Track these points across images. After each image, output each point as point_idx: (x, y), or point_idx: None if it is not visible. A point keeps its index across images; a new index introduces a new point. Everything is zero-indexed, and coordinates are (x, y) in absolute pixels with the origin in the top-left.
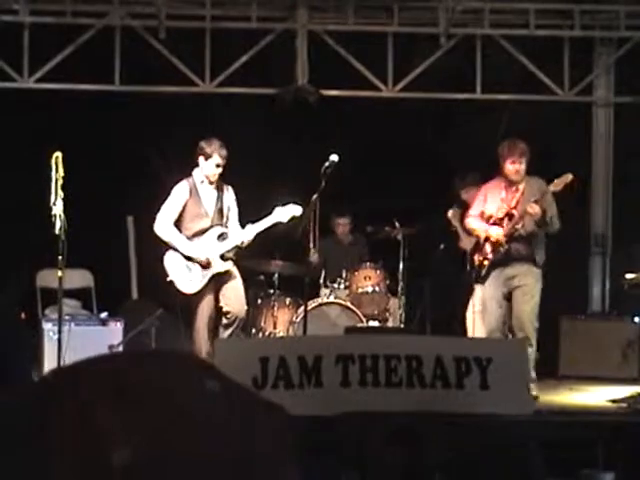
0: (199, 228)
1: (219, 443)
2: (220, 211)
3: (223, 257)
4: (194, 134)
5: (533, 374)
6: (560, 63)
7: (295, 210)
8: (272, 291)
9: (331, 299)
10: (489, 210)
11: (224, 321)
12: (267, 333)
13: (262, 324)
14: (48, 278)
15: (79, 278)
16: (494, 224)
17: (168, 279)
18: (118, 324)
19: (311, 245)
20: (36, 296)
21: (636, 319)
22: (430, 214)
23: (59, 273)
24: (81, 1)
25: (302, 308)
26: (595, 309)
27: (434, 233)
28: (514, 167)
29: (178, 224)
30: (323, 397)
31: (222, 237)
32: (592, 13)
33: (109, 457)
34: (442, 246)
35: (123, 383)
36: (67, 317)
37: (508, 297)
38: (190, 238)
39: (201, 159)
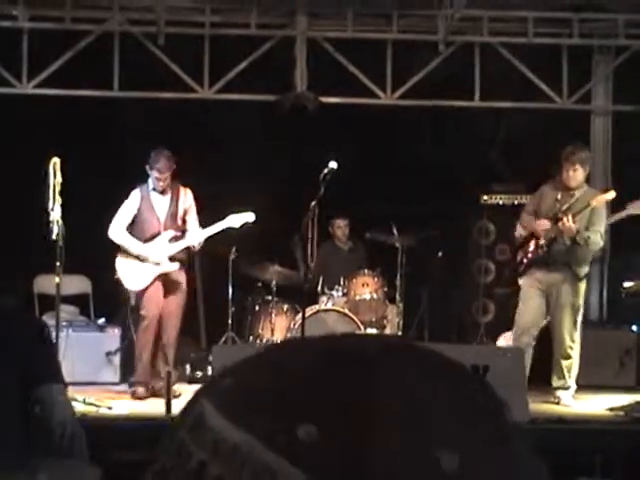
0: (150, 233)
1: None
2: (173, 215)
3: (171, 258)
4: (193, 140)
5: (574, 385)
6: (559, 71)
7: (249, 217)
8: (270, 298)
9: (329, 306)
10: (543, 209)
11: (164, 324)
12: (265, 340)
13: (260, 331)
14: (46, 284)
15: (77, 284)
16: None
17: (115, 277)
18: (115, 330)
19: (309, 252)
20: (33, 302)
21: (634, 327)
22: (429, 221)
23: (57, 279)
24: (80, 7)
25: (300, 315)
26: (593, 317)
27: (432, 240)
28: (568, 173)
29: (131, 230)
30: None
31: (173, 239)
32: (591, 22)
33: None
34: (440, 253)
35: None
36: (64, 323)
37: (547, 299)
38: (142, 242)
39: (147, 168)
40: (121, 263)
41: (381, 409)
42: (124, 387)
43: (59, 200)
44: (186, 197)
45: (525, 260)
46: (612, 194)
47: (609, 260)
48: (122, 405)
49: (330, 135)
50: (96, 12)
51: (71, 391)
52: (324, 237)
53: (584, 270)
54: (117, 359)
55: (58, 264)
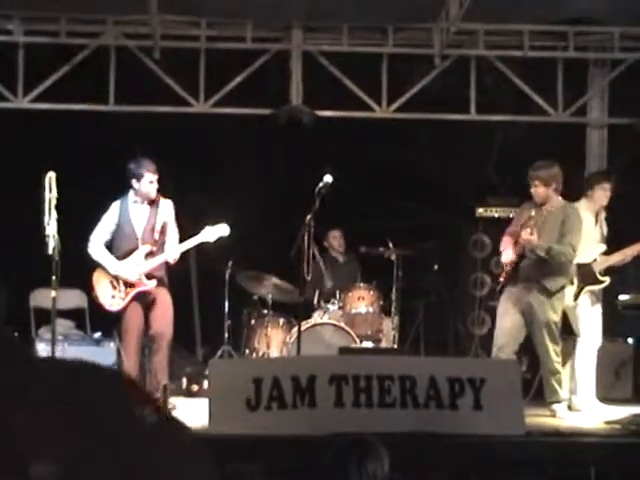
0: (128, 248)
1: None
2: (152, 229)
3: (148, 276)
4: (189, 154)
5: (566, 395)
6: (554, 84)
7: (223, 230)
8: (266, 311)
9: (325, 319)
10: (520, 225)
11: (154, 346)
12: (261, 353)
13: (256, 344)
14: (41, 298)
15: (73, 298)
16: (516, 242)
17: (93, 294)
18: (112, 344)
19: (304, 265)
20: (29, 316)
21: (629, 340)
22: (424, 234)
23: (52, 293)
24: (75, 21)
25: (296, 328)
26: None
27: (428, 253)
28: (532, 190)
29: (110, 245)
30: (316, 417)
31: (150, 255)
32: (586, 35)
33: (27, 468)
34: (436, 267)
35: (56, 393)
36: (60, 337)
37: (523, 317)
38: (120, 258)
39: (133, 181)
40: (98, 280)
41: None
42: None
43: (55, 214)
44: (165, 208)
45: (501, 279)
46: None
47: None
48: None
49: (325, 149)
50: (91, 26)
51: None
52: (320, 251)
53: (556, 284)
54: None
55: (54, 278)
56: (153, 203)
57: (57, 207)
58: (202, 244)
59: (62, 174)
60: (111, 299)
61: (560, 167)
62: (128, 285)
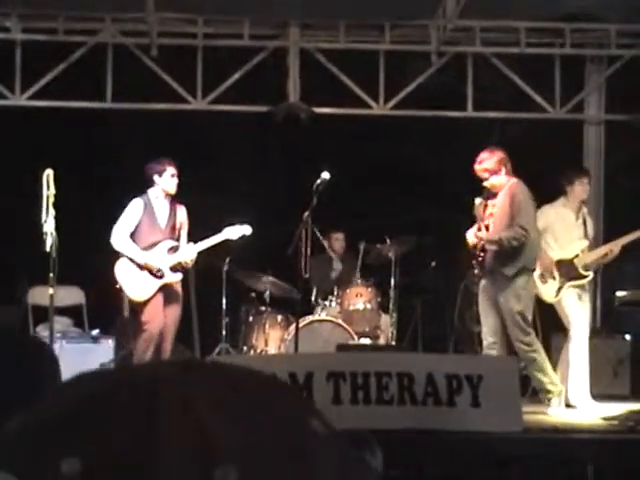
0: (152, 241)
1: None
2: (173, 227)
3: (172, 268)
4: (186, 151)
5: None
6: (551, 81)
7: (245, 230)
8: (264, 308)
9: (322, 316)
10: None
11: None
12: (259, 350)
13: (253, 341)
14: (39, 295)
15: (70, 295)
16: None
17: (117, 285)
18: (109, 341)
19: (302, 262)
20: (27, 313)
21: (627, 336)
22: (422, 231)
23: (50, 290)
24: (73, 19)
25: (293, 325)
26: None
27: (426, 250)
28: (485, 184)
29: (133, 237)
30: None
31: (172, 250)
32: (583, 31)
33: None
34: (433, 263)
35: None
36: (58, 334)
37: (498, 310)
38: (143, 250)
39: (156, 177)
40: (122, 271)
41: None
42: None
43: (52, 212)
44: (181, 212)
45: (475, 265)
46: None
47: (602, 269)
48: None
49: (323, 145)
50: (89, 24)
51: None
52: (318, 248)
53: (513, 268)
54: None
55: (51, 275)
56: (172, 204)
57: (55, 204)
58: (221, 243)
59: (60, 171)
60: (138, 289)
61: (557, 164)
62: (155, 276)
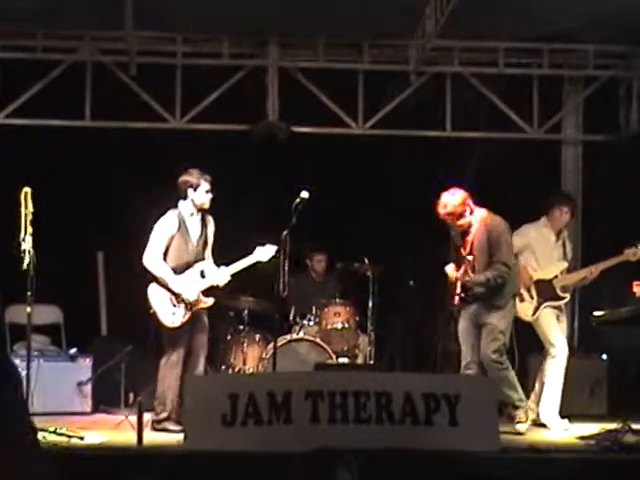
0: (184, 261)
1: None
2: (205, 243)
3: (204, 292)
4: (165, 169)
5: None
6: (529, 101)
7: (274, 250)
8: (242, 327)
9: (301, 335)
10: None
11: (192, 360)
12: (237, 369)
13: (232, 360)
14: (17, 314)
15: (48, 314)
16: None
17: (151, 311)
18: (87, 360)
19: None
20: (4, 332)
21: (604, 356)
22: (400, 250)
23: (28, 309)
24: (51, 37)
25: (272, 344)
26: None
27: (404, 269)
28: (453, 227)
29: (164, 256)
30: (292, 433)
31: (203, 274)
32: (561, 52)
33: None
34: (412, 282)
35: None
36: (36, 353)
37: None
38: (176, 271)
39: (190, 191)
40: (155, 296)
41: None
42: (96, 417)
43: (30, 230)
44: (211, 224)
45: (455, 300)
46: None
47: (580, 290)
48: (94, 435)
49: (302, 164)
50: (67, 42)
51: (43, 421)
52: (298, 267)
53: (505, 299)
54: (89, 389)
55: (29, 294)
56: (203, 217)
57: (33, 222)
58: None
59: (38, 190)
60: (172, 315)
61: (535, 182)
62: (187, 306)
